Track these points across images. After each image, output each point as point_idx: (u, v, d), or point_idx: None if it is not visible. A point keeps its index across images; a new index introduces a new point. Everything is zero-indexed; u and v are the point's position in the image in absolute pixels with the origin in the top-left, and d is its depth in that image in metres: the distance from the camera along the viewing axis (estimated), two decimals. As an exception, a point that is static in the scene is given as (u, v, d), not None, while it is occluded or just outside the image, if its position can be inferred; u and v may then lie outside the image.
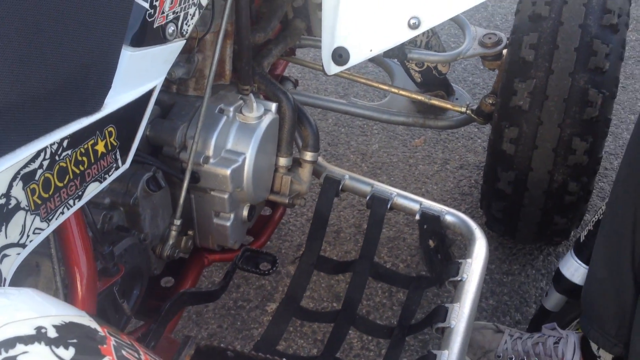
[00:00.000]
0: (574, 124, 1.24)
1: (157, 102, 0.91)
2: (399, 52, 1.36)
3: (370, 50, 1.02)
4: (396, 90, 1.52)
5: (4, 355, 0.35)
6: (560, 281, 1.25)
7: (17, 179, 0.63)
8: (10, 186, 0.63)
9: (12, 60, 0.62)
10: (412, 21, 0.98)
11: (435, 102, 1.50)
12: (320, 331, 1.37)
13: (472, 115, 1.49)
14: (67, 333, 0.39)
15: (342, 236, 1.62)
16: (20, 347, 0.36)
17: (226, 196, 1.07)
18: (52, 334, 0.38)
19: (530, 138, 1.27)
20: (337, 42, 1.02)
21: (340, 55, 1.04)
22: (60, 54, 0.67)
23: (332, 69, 1.05)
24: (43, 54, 0.65)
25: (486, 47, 1.45)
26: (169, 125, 1.03)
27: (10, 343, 0.36)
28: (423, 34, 1.47)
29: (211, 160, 1.04)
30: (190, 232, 1.11)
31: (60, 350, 0.37)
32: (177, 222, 1.04)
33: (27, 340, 0.36)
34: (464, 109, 1.50)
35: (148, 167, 0.98)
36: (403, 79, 1.62)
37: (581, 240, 1.23)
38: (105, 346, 0.40)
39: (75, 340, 0.38)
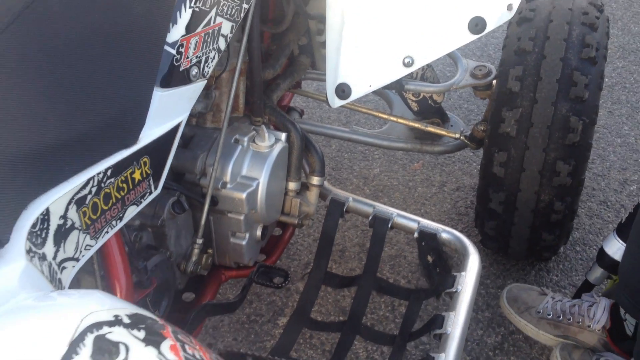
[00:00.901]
0: (557, 149, 1.36)
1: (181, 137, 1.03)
2: (396, 84, 1.48)
3: (370, 86, 1.13)
4: (395, 119, 1.64)
5: (95, 334, 0.46)
6: (603, 258, 1.43)
7: (72, 203, 0.75)
8: (66, 209, 0.74)
9: (66, 106, 0.74)
10: (406, 60, 1.10)
11: (431, 129, 1.62)
12: (328, 342, 1.48)
13: (465, 141, 1.61)
14: (137, 320, 0.49)
15: (347, 254, 1.73)
16: (105, 329, 0.46)
17: (242, 217, 1.17)
18: (126, 320, 0.49)
19: (518, 162, 1.39)
20: (340, 79, 1.14)
21: (343, 90, 1.15)
22: (104, 97, 0.79)
23: (336, 102, 1.16)
24: (90, 99, 0.77)
25: (477, 78, 1.57)
26: (190, 155, 1.15)
27: (97, 326, 0.47)
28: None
29: (228, 186, 1.15)
30: (209, 251, 1.22)
31: (135, 332, 0.47)
32: (199, 241, 1.14)
33: (109, 324, 0.47)
34: (457, 135, 1.61)
35: (173, 192, 1.09)
36: (401, 108, 1.74)
37: (622, 222, 1.40)
38: (165, 331, 0.50)
39: (143, 325, 0.49)
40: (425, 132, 1.64)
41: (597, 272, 1.45)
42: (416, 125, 1.62)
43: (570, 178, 1.37)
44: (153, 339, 0.49)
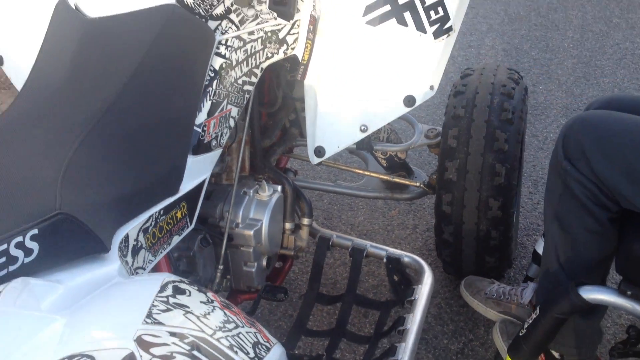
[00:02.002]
0: (488, 189, 1.75)
1: None
2: (367, 145, 1.89)
3: (338, 147, 1.54)
4: (369, 173, 2.06)
5: (173, 284, 0.84)
6: (536, 256, 1.78)
7: (141, 231, 1.15)
8: (137, 235, 1.14)
9: (139, 169, 1.14)
10: (362, 127, 1.51)
11: (397, 180, 2.02)
12: (322, 347, 1.84)
13: (425, 188, 2.01)
14: (193, 282, 0.89)
15: (338, 286, 2.11)
16: (177, 283, 0.85)
17: (251, 250, 1.56)
18: (186, 281, 0.88)
19: (460, 201, 1.78)
20: (316, 142, 1.55)
21: (319, 151, 1.56)
22: (159, 163, 1.20)
23: (315, 160, 1.57)
24: (152, 164, 1.18)
25: (429, 138, 1.98)
26: (211, 204, 1.55)
27: (172, 282, 0.85)
28: (384, 131, 2.01)
29: (240, 226, 1.54)
30: (228, 276, 1.60)
31: (192, 285, 0.86)
32: (220, 267, 1.53)
33: (179, 281, 0.86)
34: (418, 184, 2.02)
35: (200, 232, 1.48)
36: (374, 165, 2.15)
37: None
38: (211, 293, 0.89)
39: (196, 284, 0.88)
40: (393, 183, 2.05)
41: (533, 268, 1.82)
42: (386, 177, 2.03)
43: (500, 211, 1.76)
44: (204, 289, 0.88)
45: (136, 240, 1.13)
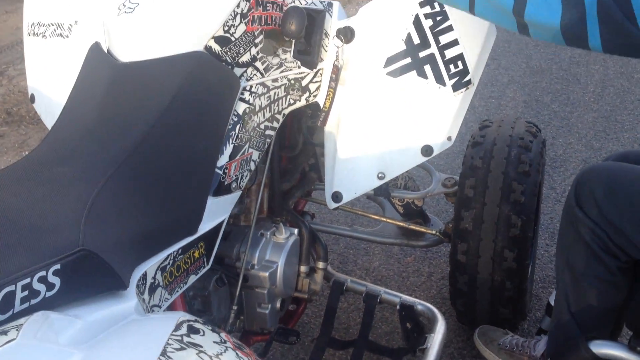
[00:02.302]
0: (503, 240, 1.76)
1: None
2: (384, 192, 1.92)
3: (355, 193, 1.57)
4: (385, 219, 2.07)
5: (187, 323, 0.86)
6: (549, 309, 1.74)
7: (159, 270, 1.17)
8: (155, 273, 1.16)
9: (158, 209, 1.18)
10: (379, 174, 1.53)
11: (413, 227, 2.04)
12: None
13: (441, 237, 2.02)
14: (206, 321, 0.90)
15: (351, 331, 2.11)
16: (191, 322, 0.87)
17: (265, 291, 1.57)
18: (201, 321, 0.90)
19: (475, 250, 1.79)
20: (334, 188, 1.57)
21: (336, 196, 1.58)
22: (180, 203, 1.23)
23: (332, 205, 1.59)
24: (172, 204, 1.21)
25: (446, 187, 2.00)
26: (229, 245, 1.57)
27: (187, 321, 0.87)
28: (402, 178, 2.03)
29: (256, 267, 1.56)
30: (242, 317, 1.62)
31: (207, 325, 0.88)
32: (234, 307, 1.55)
33: (193, 321, 0.88)
34: (434, 232, 2.03)
35: (216, 271, 1.51)
36: (391, 211, 2.16)
37: None
38: (224, 333, 0.91)
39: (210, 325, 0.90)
40: (410, 230, 2.06)
41: (546, 320, 1.79)
42: (402, 224, 2.05)
43: (515, 263, 1.77)
44: (217, 330, 0.90)
45: (154, 278, 1.16)
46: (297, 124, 1.72)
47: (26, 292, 0.86)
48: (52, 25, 1.65)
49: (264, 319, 1.62)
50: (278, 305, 1.64)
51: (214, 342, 0.84)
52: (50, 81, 1.66)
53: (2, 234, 0.94)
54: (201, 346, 0.81)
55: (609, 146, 3.13)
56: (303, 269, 1.70)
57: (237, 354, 0.83)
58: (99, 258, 0.97)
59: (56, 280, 0.90)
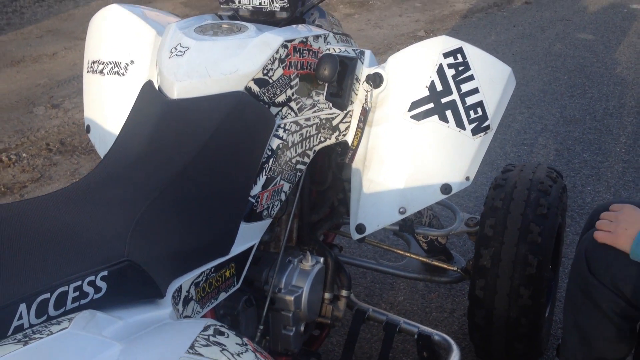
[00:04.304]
0: (520, 278, 1.84)
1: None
2: (409, 228, 2.02)
3: (377, 225, 1.67)
4: (410, 255, 2.17)
5: (214, 326, 0.98)
6: (558, 350, 1.73)
7: (192, 285, 1.29)
8: (189, 287, 1.28)
9: (195, 232, 1.30)
10: (401, 209, 1.64)
11: (436, 263, 2.12)
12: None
13: (462, 273, 2.10)
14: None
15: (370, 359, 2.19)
16: (218, 326, 0.99)
17: (290, 314, 1.68)
18: (226, 325, 1.01)
19: (492, 287, 1.87)
20: (358, 220, 1.68)
21: (360, 228, 1.69)
22: (215, 227, 1.35)
23: (356, 236, 1.70)
24: (208, 228, 1.33)
25: (469, 226, 2.09)
26: (258, 269, 1.68)
27: (214, 324, 0.99)
28: (426, 216, 2.13)
29: (282, 291, 1.67)
30: (267, 337, 1.72)
31: (230, 329, 0.99)
32: (261, 327, 1.65)
33: (220, 325, 0.99)
34: (456, 269, 2.12)
35: (245, 293, 1.62)
36: (416, 247, 2.26)
37: None
38: (247, 338, 1.02)
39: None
40: (433, 266, 2.15)
41: None
42: (425, 260, 2.14)
43: (530, 300, 1.84)
44: (240, 335, 1.01)
45: (188, 292, 1.28)
46: (327, 161, 1.84)
47: (77, 293, 0.99)
48: (110, 63, 1.81)
49: (288, 341, 1.72)
50: (302, 328, 1.74)
51: (237, 343, 0.95)
52: (105, 114, 1.82)
53: (59, 244, 1.08)
54: (225, 345, 0.92)
55: (637, 195, 3.17)
56: (327, 295, 1.80)
57: (255, 355, 0.94)
58: (141, 269, 1.09)
59: (103, 285, 1.03)
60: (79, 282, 0.99)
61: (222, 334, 0.97)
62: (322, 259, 1.75)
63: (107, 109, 1.82)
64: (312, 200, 1.91)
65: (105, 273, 1.03)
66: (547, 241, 1.86)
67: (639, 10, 6.38)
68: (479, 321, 1.93)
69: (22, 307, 0.92)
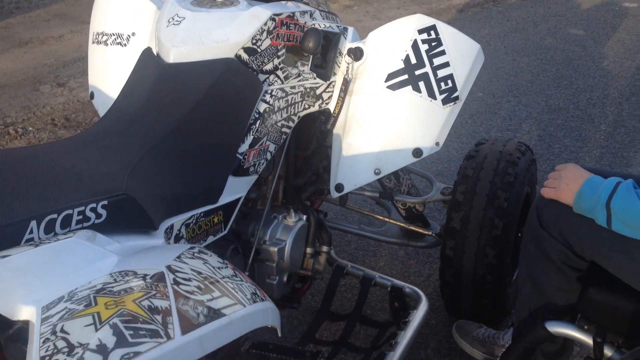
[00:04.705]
0: (486, 239, 1.99)
1: (239, 212, 1.71)
2: (389, 196, 2.18)
3: (355, 185, 1.82)
4: (389, 220, 2.32)
5: (195, 251, 1.13)
6: None
7: (184, 225, 1.44)
8: (181, 227, 1.43)
9: (187, 178, 1.45)
10: (376, 170, 1.78)
11: (413, 228, 2.28)
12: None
13: (437, 238, 2.26)
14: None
15: (346, 308, 2.33)
16: (196, 249, 1.13)
17: (274, 265, 1.82)
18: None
19: (461, 247, 2.02)
20: (338, 180, 1.82)
21: (339, 187, 1.83)
22: (205, 177, 1.50)
23: (335, 194, 1.84)
24: (198, 176, 1.48)
25: (444, 195, 2.24)
26: (246, 223, 1.83)
27: (194, 248, 1.14)
28: (405, 185, 2.28)
29: (267, 243, 1.81)
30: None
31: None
32: (246, 273, 1.80)
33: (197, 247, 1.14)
34: (431, 234, 2.27)
35: (233, 242, 1.76)
36: (395, 214, 2.41)
37: None
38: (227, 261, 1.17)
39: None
40: (411, 231, 2.30)
41: None
42: (404, 225, 2.29)
43: (496, 259, 1.99)
44: (221, 258, 1.16)
45: (179, 230, 1.43)
46: (311, 128, 1.99)
47: (80, 217, 1.14)
48: (114, 35, 1.95)
49: (271, 289, 1.87)
50: (285, 278, 1.89)
51: (218, 261, 1.11)
52: (108, 81, 1.96)
53: (64, 179, 1.23)
54: (207, 260, 1.07)
55: (612, 179, 3.32)
56: (309, 250, 1.94)
57: (233, 271, 1.10)
58: (136, 202, 1.25)
59: (103, 212, 1.18)
60: (82, 208, 1.14)
61: (205, 253, 1.12)
62: (305, 217, 1.90)
63: (109, 76, 1.96)
64: (298, 166, 2.06)
65: (105, 202, 1.18)
66: (513, 207, 2.01)
67: (630, 8, 6.51)
68: (448, 279, 2.08)
69: (33, 224, 1.07)
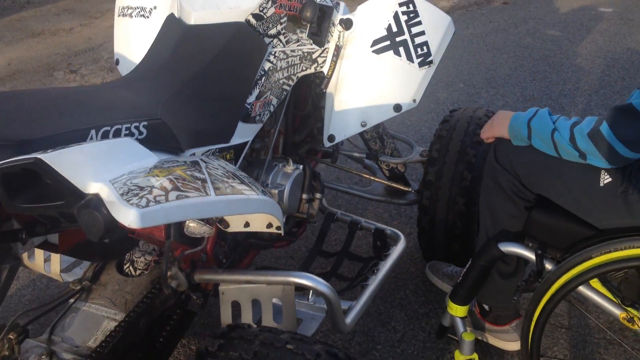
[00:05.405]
0: (457, 189, 2.27)
1: (245, 159, 1.98)
2: (374, 157, 2.46)
3: (344, 135, 2.10)
4: (375, 179, 2.60)
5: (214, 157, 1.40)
6: None
7: (204, 156, 1.71)
8: (202, 156, 1.71)
9: (205, 117, 1.73)
10: (362, 123, 2.07)
11: (395, 185, 2.56)
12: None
13: (416, 195, 2.54)
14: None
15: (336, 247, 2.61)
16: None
17: (274, 205, 2.10)
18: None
19: (435, 196, 2.30)
20: (330, 131, 2.10)
21: (331, 138, 2.12)
22: (219, 119, 1.78)
23: (327, 143, 2.13)
24: (214, 118, 1.76)
25: (422, 157, 2.53)
26: (250, 169, 2.09)
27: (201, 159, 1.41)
28: (389, 147, 2.57)
29: (269, 186, 2.08)
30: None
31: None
32: (251, 211, 2.07)
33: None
34: (411, 190, 2.55)
35: (240, 184, 2.04)
36: (380, 175, 2.69)
37: None
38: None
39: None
40: (393, 189, 2.59)
41: None
42: (387, 183, 2.58)
43: (465, 207, 2.27)
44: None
45: (200, 159, 1.70)
46: (308, 90, 2.27)
47: (127, 131, 1.41)
48: (138, 8, 2.23)
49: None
50: (284, 219, 2.17)
51: (236, 167, 1.38)
52: (132, 49, 2.23)
53: (114, 105, 1.50)
54: (228, 163, 1.35)
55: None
56: (304, 196, 2.21)
57: (247, 175, 1.37)
58: (168, 127, 1.52)
59: (144, 131, 1.45)
60: (129, 124, 1.42)
61: (226, 160, 1.40)
62: (301, 167, 2.18)
63: (133, 44, 2.23)
64: (296, 125, 2.34)
65: (145, 123, 1.46)
66: (480, 162, 2.29)
67: (605, 12, 6.84)
68: (424, 225, 2.36)
69: (92, 132, 1.34)
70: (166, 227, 1.25)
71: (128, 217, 1.02)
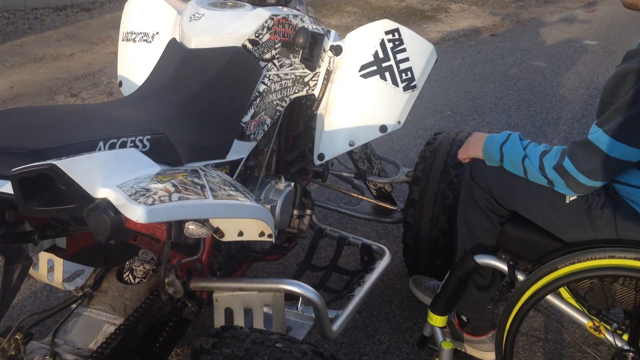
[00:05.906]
0: (440, 207, 2.38)
1: (240, 175, 2.09)
2: (362, 177, 2.58)
3: (333, 154, 2.21)
4: (363, 198, 2.71)
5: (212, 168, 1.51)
6: None
7: (202, 170, 1.82)
8: (200, 170, 1.82)
9: (203, 135, 1.84)
10: (350, 142, 2.18)
11: (382, 204, 2.67)
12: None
13: (402, 213, 2.65)
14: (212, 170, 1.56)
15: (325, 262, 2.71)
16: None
17: (267, 220, 2.21)
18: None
19: (419, 214, 2.42)
20: (320, 150, 2.22)
21: (320, 156, 2.23)
22: (216, 137, 1.89)
23: (317, 162, 2.24)
24: (211, 136, 1.87)
25: (408, 177, 2.65)
26: (245, 185, 2.22)
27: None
28: (376, 168, 2.68)
29: (261, 202, 2.20)
30: (248, 237, 2.24)
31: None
32: (244, 226, 2.18)
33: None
34: (398, 209, 2.67)
35: (234, 199, 2.15)
36: (368, 193, 2.81)
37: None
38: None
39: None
40: (380, 208, 2.70)
41: None
42: (374, 202, 2.69)
43: (447, 224, 2.38)
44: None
45: (198, 171, 1.81)
46: (299, 111, 2.39)
47: (132, 144, 1.52)
48: (141, 33, 2.36)
49: (263, 242, 2.25)
50: (275, 233, 2.27)
51: (232, 178, 1.49)
52: (135, 72, 2.36)
53: (120, 121, 1.61)
54: (225, 174, 1.46)
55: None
56: (295, 212, 2.32)
57: (242, 185, 1.48)
58: (169, 141, 1.63)
59: (147, 144, 1.56)
60: (134, 137, 1.53)
61: (223, 171, 1.51)
62: (292, 184, 2.29)
63: (136, 67, 2.36)
64: (288, 145, 2.46)
65: (149, 137, 1.57)
66: (461, 181, 2.41)
67: (590, 45, 7.04)
68: (409, 242, 2.47)
69: (101, 144, 1.45)
70: (167, 227, 1.35)
71: (136, 212, 1.13)
